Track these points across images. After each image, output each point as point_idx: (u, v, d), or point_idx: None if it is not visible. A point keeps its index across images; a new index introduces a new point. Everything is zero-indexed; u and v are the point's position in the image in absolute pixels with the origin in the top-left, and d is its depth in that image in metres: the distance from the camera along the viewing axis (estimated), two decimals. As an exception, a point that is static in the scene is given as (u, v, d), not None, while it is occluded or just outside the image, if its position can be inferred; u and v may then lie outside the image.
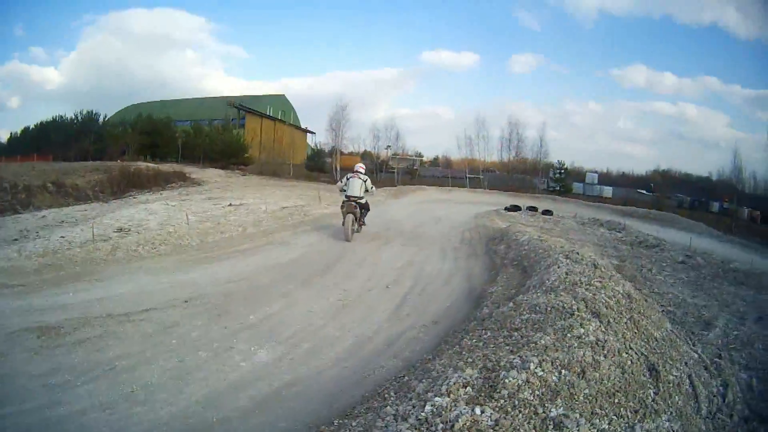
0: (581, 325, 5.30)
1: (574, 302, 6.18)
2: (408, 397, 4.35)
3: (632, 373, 4.73)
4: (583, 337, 5.02)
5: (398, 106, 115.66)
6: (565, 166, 51.63)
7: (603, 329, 5.40)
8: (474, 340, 5.76)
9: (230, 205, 18.69)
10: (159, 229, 13.24)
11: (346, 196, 14.08)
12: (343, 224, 14.05)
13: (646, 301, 8.13)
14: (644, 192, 56.31)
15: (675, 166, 76.61)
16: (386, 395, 4.92)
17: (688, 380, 5.59)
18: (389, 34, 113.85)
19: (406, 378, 5.35)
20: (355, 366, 6.05)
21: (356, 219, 14.18)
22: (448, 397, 3.77)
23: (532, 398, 3.71)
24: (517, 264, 11.15)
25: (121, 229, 13.18)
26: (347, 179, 14.35)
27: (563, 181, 49.12)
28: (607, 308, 6.20)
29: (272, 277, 9.73)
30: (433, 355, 5.99)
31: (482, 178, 48.90)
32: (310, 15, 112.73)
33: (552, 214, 26.05)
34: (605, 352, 4.82)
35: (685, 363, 6.07)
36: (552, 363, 4.26)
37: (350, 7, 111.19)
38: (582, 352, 4.57)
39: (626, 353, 5.11)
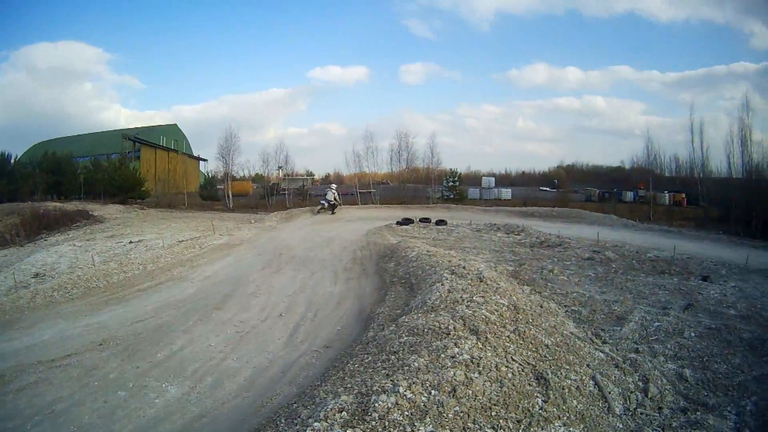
0: (456, 344, 5.61)
1: (452, 321, 6.46)
2: (294, 423, 4.97)
3: (513, 385, 4.91)
4: (457, 356, 5.29)
5: (290, 126, 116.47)
6: (458, 173, 52.69)
7: (480, 346, 5.68)
8: (356, 365, 6.22)
9: (130, 242, 20.73)
10: (69, 272, 15.35)
11: (324, 201, 31.83)
12: (319, 211, 31.82)
13: (541, 306, 8.46)
14: (548, 189, 58.66)
15: (582, 159, 79.64)
16: (278, 422, 5.56)
17: (591, 381, 5.72)
18: (279, 53, 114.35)
19: (296, 405, 5.95)
20: (254, 395, 6.91)
21: (328, 208, 31.46)
22: (326, 422, 4.34)
23: (401, 419, 4.16)
24: (404, 282, 11.44)
25: (37, 275, 15.67)
26: (325, 192, 31.96)
27: (456, 189, 49.72)
28: (486, 324, 6.45)
29: (173, 314, 10.84)
30: (321, 381, 6.67)
31: (374, 192, 49.30)
32: (201, 39, 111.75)
33: (446, 224, 26.33)
34: (480, 368, 5.05)
35: (587, 365, 6.22)
36: (422, 384, 4.58)
37: (240, 28, 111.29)
38: (453, 372, 4.84)
39: (506, 366, 5.28)
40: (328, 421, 4.30)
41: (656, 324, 8.88)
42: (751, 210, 35.50)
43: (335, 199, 32.80)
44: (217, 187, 49.39)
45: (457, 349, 5.44)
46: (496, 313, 6.92)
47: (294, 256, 17.03)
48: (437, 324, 6.43)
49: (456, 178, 50.40)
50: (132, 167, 45.78)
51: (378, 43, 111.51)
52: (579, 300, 10.25)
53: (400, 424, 4.10)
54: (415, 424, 4.10)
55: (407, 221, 26.62)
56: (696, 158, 50.21)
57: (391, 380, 4.77)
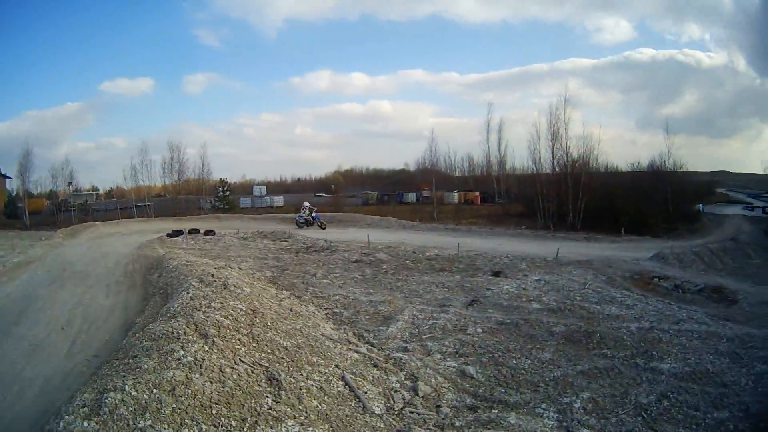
0: (183, 347, 5.84)
1: (184, 326, 6.66)
2: (57, 418, 4.99)
3: (239, 386, 5.17)
4: (182, 358, 5.53)
5: (79, 140, 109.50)
6: (228, 183, 55.04)
7: (206, 349, 5.94)
8: (107, 369, 6.22)
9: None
10: None
11: (301, 216, 33.95)
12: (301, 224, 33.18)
13: (290, 310, 8.79)
14: (323, 195, 60.61)
15: (363, 163, 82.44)
16: (49, 419, 5.45)
17: (341, 382, 5.93)
18: (72, 66, 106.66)
19: (60, 405, 5.94)
20: (46, 401, 6.77)
21: (308, 224, 33.11)
22: (72, 415, 4.73)
23: (126, 413, 4.57)
24: (162, 292, 11.56)
25: None
26: (303, 208, 34.37)
27: (227, 199, 52.24)
28: (218, 328, 6.71)
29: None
30: (83, 385, 6.41)
31: (150, 205, 50.14)
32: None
33: (214, 234, 27.29)
34: (202, 369, 5.32)
35: (336, 365, 6.46)
36: (145, 384, 4.88)
37: (40, 40, 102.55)
38: (173, 373, 5.11)
39: (231, 368, 5.53)
40: (74, 414, 4.74)
41: (431, 322, 9.31)
42: (565, 203, 38.88)
43: (311, 212, 34.42)
44: (19, 205, 47.45)
45: (183, 352, 5.68)
46: (230, 317, 7.18)
47: (75, 271, 16.99)
48: (171, 329, 6.63)
49: (226, 188, 52.61)
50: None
51: (167, 53, 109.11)
52: (342, 302, 10.68)
53: (125, 417, 4.52)
54: (137, 418, 4.53)
55: (177, 233, 27.52)
56: (493, 156, 54.12)
57: (122, 380, 5.07)
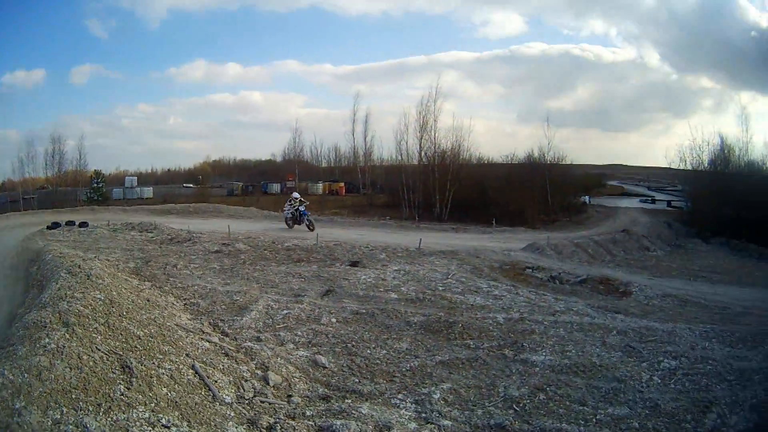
0: (48, 335, 6.04)
1: (51, 315, 6.79)
2: None
3: (95, 372, 5.42)
4: (47, 345, 5.73)
5: None
6: (102, 175, 56.46)
7: (68, 336, 6.12)
8: None
9: None
10: None
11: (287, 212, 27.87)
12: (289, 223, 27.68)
13: (148, 300, 9.15)
14: (191, 186, 61.64)
15: (232, 154, 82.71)
16: None
17: (191, 370, 6.25)
18: None
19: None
20: None
21: (295, 221, 27.37)
22: None
23: (6, 396, 4.66)
24: (39, 283, 11.61)
25: None
26: (290, 200, 28.15)
27: (101, 190, 53.45)
28: (78, 317, 6.88)
29: None
30: None
31: (34, 197, 50.68)
32: None
33: (88, 226, 27.38)
34: (63, 356, 5.53)
35: (187, 354, 6.80)
36: (18, 369, 5.09)
37: None
38: (39, 359, 5.35)
39: (88, 355, 5.78)
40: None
41: (285, 312, 9.71)
42: (432, 195, 39.76)
43: (297, 210, 27.60)
44: None
45: (48, 340, 5.83)
46: (90, 307, 7.31)
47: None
48: (40, 318, 6.69)
49: (100, 180, 55.03)
50: None
51: (60, 44, 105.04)
52: (200, 293, 11.06)
53: (6, 399, 4.58)
54: (14, 399, 4.58)
55: (56, 225, 27.87)
56: (359, 147, 55.19)
57: (1, 365, 5.15)
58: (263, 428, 5.36)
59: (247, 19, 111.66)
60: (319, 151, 70.87)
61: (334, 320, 9.50)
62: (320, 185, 56.66)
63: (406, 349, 8.38)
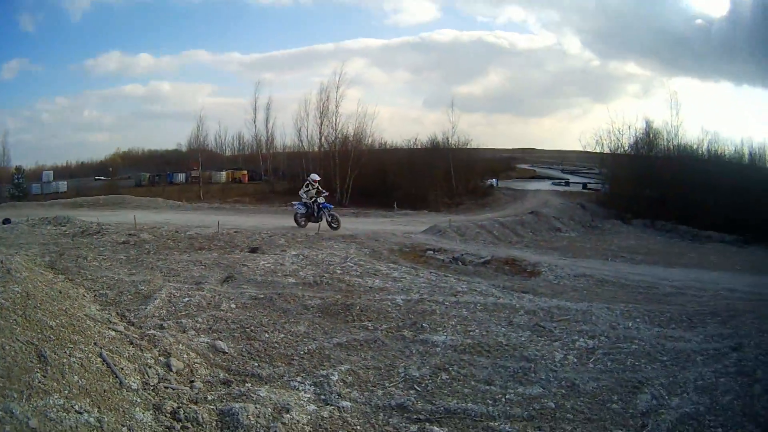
0: None
1: None
2: None
3: (16, 362, 5.69)
4: None
5: None
6: (23, 170, 58.46)
7: None
8: None
9: None
10: None
11: (298, 206, 23.63)
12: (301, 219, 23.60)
13: (60, 292, 9.36)
14: (102, 178, 63.27)
15: (141, 145, 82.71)
16: None
17: (99, 358, 6.52)
18: None
19: None
20: None
21: (311, 216, 23.19)
22: None
23: None
24: None
25: None
26: (307, 185, 23.41)
27: (21, 186, 55.13)
28: (0, 310, 7.05)
29: None
30: None
31: None
32: None
33: (11, 222, 27.30)
34: None
35: (95, 343, 7.06)
36: None
37: None
38: None
39: (10, 345, 6.01)
40: None
41: (186, 299, 10.08)
42: (333, 180, 40.41)
43: (314, 201, 23.12)
44: None
45: None
46: (10, 300, 7.46)
47: None
48: None
49: (21, 176, 57.34)
50: None
51: None
52: (108, 283, 11.32)
53: None
54: None
55: None
56: (261, 135, 55.70)
57: None
58: (167, 413, 5.63)
59: (160, 9, 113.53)
60: (224, 140, 71.64)
61: (233, 306, 9.84)
62: (223, 174, 58.29)
63: (304, 332, 8.65)
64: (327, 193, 23.89)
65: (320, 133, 48.26)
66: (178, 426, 5.52)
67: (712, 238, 31.76)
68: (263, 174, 56.88)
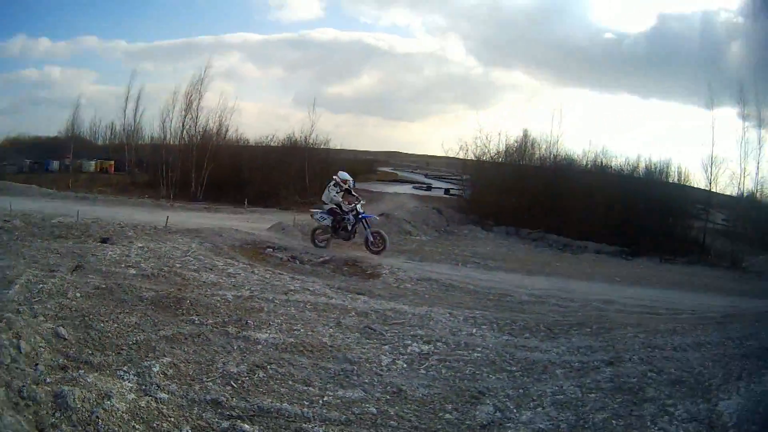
0: None
1: None
2: None
3: None
4: None
5: None
6: None
7: None
8: None
9: None
10: None
11: (321, 215, 18.36)
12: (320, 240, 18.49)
13: None
14: None
15: (29, 131, 79.84)
16: None
17: None
18: None
19: None
20: None
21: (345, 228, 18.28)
22: None
23: None
24: None
25: None
26: (337, 183, 18.13)
27: None
28: None
29: None
30: None
31: None
32: None
33: None
34: None
35: None
36: None
37: None
38: None
39: None
40: None
41: (40, 286, 10.02)
42: (190, 174, 41.14)
43: (355, 210, 18.04)
44: None
45: None
46: None
47: None
48: None
49: None
50: None
51: None
52: None
53: None
54: None
55: None
56: (128, 125, 55.59)
57: None
58: (15, 391, 5.81)
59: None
60: (98, 129, 70.25)
61: (78, 294, 9.85)
62: (93, 163, 56.38)
63: (135, 323, 8.71)
64: (364, 201, 18.92)
65: (182, 125, 47.99)
66: (22, 403, 5.73)
67: (587, 249, 30.53)
68: (127, 165, 56.32)
